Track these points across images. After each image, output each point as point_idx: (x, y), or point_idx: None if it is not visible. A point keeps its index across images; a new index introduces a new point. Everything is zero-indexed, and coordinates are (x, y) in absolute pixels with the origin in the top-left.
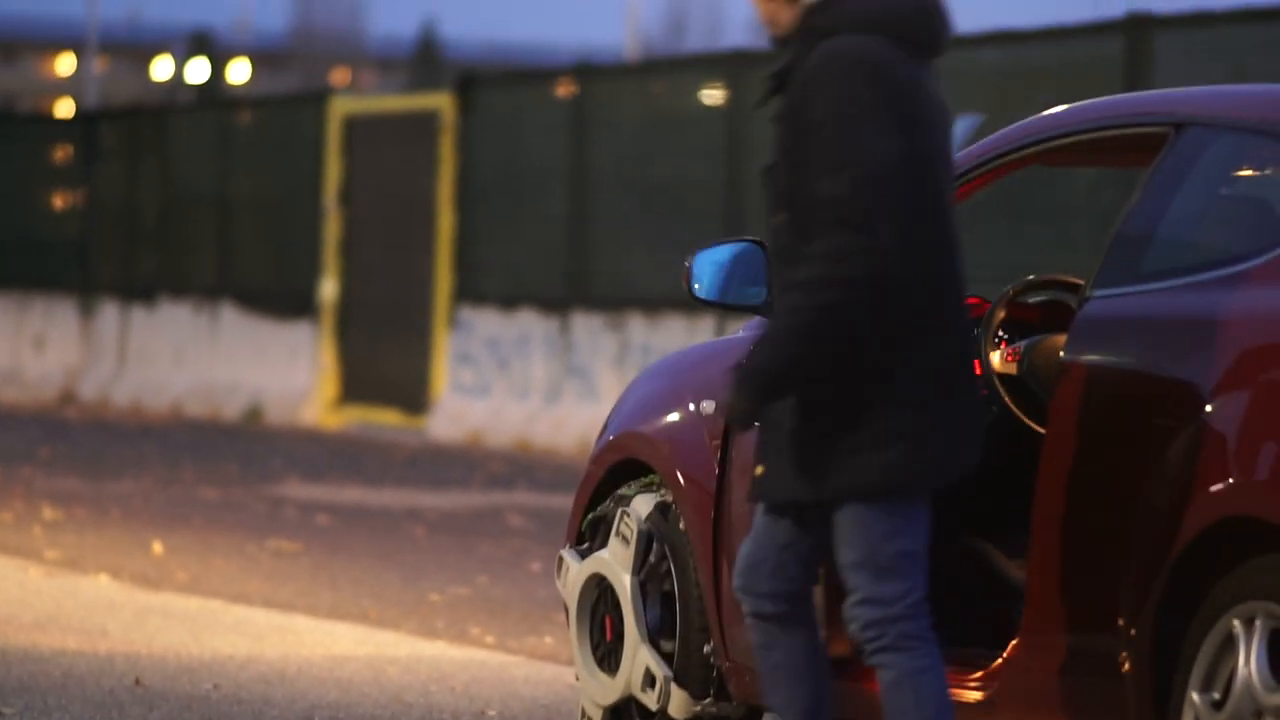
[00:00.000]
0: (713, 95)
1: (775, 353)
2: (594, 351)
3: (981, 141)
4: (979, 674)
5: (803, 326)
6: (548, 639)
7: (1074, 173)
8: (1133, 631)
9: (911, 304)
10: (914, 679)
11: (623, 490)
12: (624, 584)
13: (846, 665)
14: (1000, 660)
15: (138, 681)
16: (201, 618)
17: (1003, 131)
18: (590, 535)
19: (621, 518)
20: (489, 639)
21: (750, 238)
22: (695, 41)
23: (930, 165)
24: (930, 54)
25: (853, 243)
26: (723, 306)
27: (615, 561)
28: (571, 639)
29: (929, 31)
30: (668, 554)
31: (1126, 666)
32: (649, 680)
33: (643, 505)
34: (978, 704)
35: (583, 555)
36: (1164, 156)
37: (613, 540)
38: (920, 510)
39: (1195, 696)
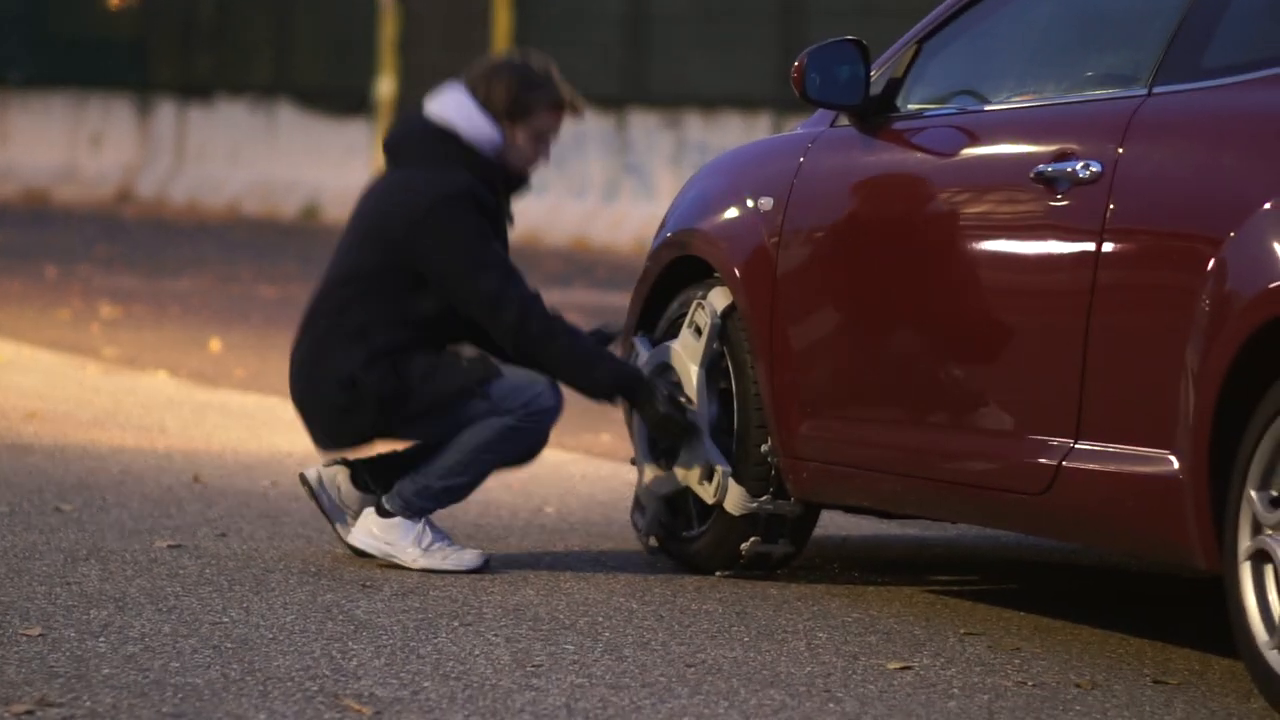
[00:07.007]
0: None
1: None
2: (651, 150)
3: None
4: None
5: None
6: (604, 436)
7: None
8: (1189, 433)
9: None
10: None
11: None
12: (691, 375)
13: None
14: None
15: (196, 478)
16: (259, 415)
17: None
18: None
19: (696, 309)
20: None
21: (849, 37)
22: None
23: None
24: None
25: None
26: (827, 106)
27: (684, 353)
28: (632, 426)
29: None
30: (725, 352)
31: (1183, 467)
32: (707, 473)
33: (719, 300)
34: (1035, 508)
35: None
36: None
37: (685, 331)
38: None
39: (1253, 494)
